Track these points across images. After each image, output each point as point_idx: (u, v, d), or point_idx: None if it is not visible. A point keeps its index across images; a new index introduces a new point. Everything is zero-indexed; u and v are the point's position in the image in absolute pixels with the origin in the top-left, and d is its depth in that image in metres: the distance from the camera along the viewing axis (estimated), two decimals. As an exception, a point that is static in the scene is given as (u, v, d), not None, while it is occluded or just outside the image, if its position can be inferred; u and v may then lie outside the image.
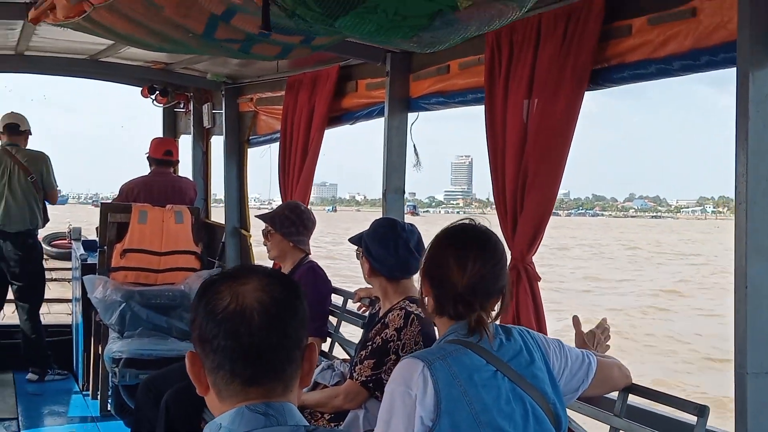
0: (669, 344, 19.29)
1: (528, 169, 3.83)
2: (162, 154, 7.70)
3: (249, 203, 7.60)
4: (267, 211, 5.37)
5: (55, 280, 10.35)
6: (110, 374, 6.46)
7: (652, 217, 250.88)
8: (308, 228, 5.12)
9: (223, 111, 7.44)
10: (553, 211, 4.08)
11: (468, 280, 2.63)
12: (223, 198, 7.74)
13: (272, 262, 5.51)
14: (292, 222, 5.04)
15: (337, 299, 5.37)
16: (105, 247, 7.05)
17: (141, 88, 8.20)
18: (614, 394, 3.23)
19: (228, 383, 1.66)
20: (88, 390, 7.26)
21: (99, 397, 6.82)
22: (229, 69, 7.04)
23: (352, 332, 5.27)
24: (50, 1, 4.32)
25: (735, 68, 2.88)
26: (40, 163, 7.67)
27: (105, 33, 4.46)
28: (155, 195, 7.39)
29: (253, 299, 1.66)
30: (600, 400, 3.21)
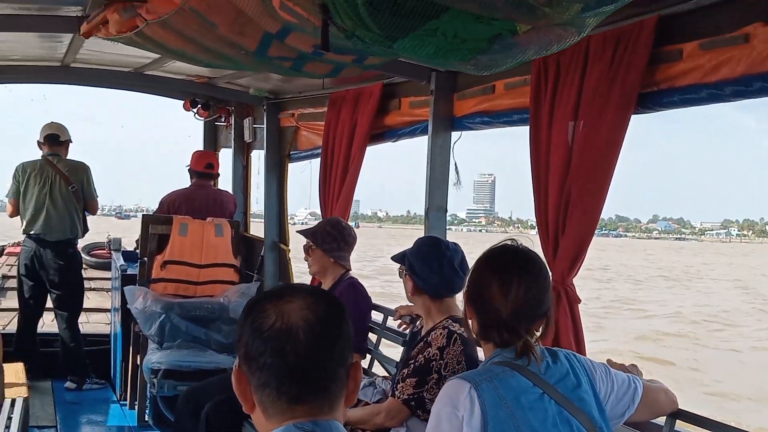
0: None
1: (571, 192, 3.83)
2: (203, 167, 7.77)
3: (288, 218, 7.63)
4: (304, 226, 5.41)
5: (94, 289, 10.42)
6: (148, 385, 6.52)
7: (676, 239, 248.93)
8: (349, 244, 5.15)
9: (265, 126, 7.49)
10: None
11: (512, 306, 2.61)
12: (262, 212, 7.77)
13: (311, 277, 5.56)
14: (333, 238, 5.07)
15: (377, 316, 5.38)
16: (146, 259, 7.12)
17: (183, 102, 8.28)
18: (661, 420, 3.22)
19: (274, 401, 1.68)
20: (125, 400, 7.32)
21: (137, 407, 6.87)
22: (272, 84, 7.09)
23: (392, 349, 5.28)
24: (103, 15, 4.37)
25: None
26: (81, 173, 7.76)
27: (155, 48, 4.52)
28: (196, 207, 7.46)
29: (298, 318, 1.68)
30: (646, 426, 3.20)
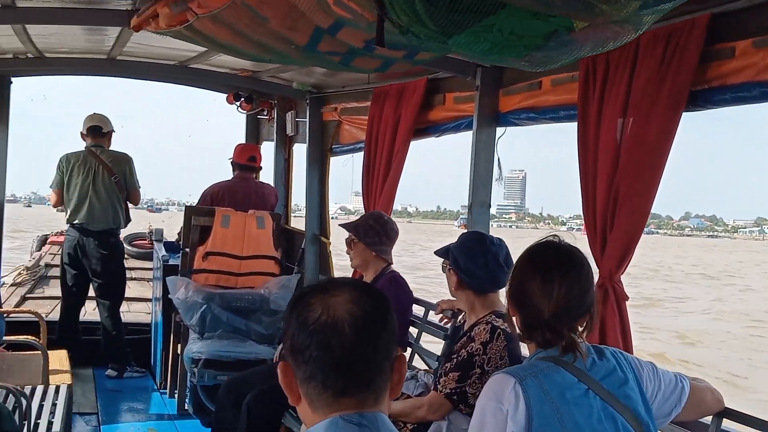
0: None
1: (620, 189, 3.81)
2: (246, 160, 7.83)
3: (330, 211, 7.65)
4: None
5: (135, 279, 10.52)
6: (189, 374, 6.58)
7: (709, 236, 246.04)
8: (391, 238, 5.16)
9: (307, 120, 7.52)
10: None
11: (554, 307, 2.59)
12: (303, 205, 7.80)
13: (353, 270, 5.58)
14: (376, 232, 5.09)
15: (418, 310, 5.39)
16: (188, 249, 7.18)
17: (227, 95, 8.35)
18: (708, 419, 3.20)
19: (320, 394, 1.69)
20: (165, 388, 7.40)
21: (177, 396, 6.95)
22: (315, 78, 7.12)
23: (433, 343, 5.29)
24: (153, 9, 4.42)
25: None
26: (124, 163, 7.84)
27: (204, 42, 4.56)
28: (238, 200, 7.52)
29: (344, 311, 1.69)
30: (693, 424, 3.19)
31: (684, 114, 3.66)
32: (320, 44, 3.49)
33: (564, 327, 2.61)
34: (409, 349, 5.28)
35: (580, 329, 2.68)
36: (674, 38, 3.61)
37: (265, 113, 8.57)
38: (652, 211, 3.97)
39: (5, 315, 6.58)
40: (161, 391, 7.50)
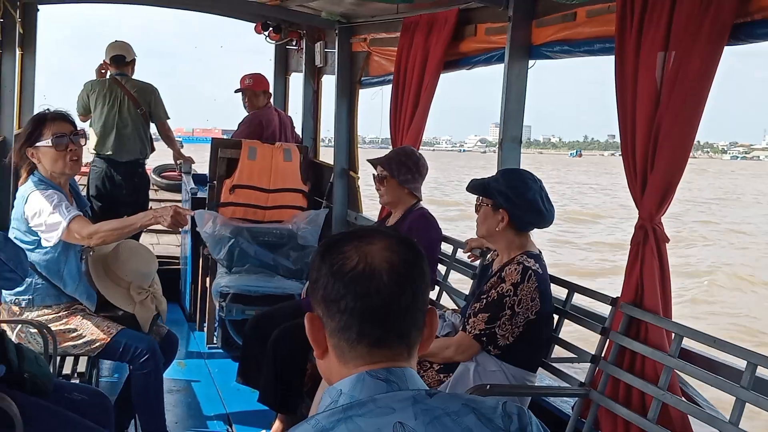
0: None
1: (660, 126, 3.66)
2: (267, 88, 7.83)
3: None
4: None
5: (164, 211, 10.53)
6: (217, 308, 6.58)
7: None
8: (422, 174, 5.07)
9: (336, 50, 7.37)
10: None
11: None
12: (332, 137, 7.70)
13: (381, 207, 5.50)
14: (408, 168, 4.99)
15: (446, 247, 5.32)
16: (215, 182, 7.14)
17: (255, 24, 8.20)
18: (742, 365, 3.12)
19: (354, 345, 1.62)
20: (194, 321, 7.41)
21: (206, 329, 6.96)
22: (344, 8, 6.95)
23: (461, 282, 5.23)
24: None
25: None
26: (149, 94, 7.73)
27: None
28: (270, 133, 7.50)
29: (381, 259, 1.61)
30: (726, 370, 3.11)
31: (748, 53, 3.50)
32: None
33: None
34: (436, 287, 5.22)
35: None
36: (718, -33, 3.43)
37: (294, 44, 8.43)
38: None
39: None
40: (190, 324, 7.51)
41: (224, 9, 8.22)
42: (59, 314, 4.35)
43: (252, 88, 7.73)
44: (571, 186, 52.28)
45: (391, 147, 5.83)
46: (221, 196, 7.06)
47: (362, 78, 7.25)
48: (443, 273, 5.27)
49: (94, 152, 7.59)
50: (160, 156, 8.23)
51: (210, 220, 6.65)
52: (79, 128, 4.49)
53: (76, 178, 4.65)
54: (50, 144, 4.25)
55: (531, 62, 5.06)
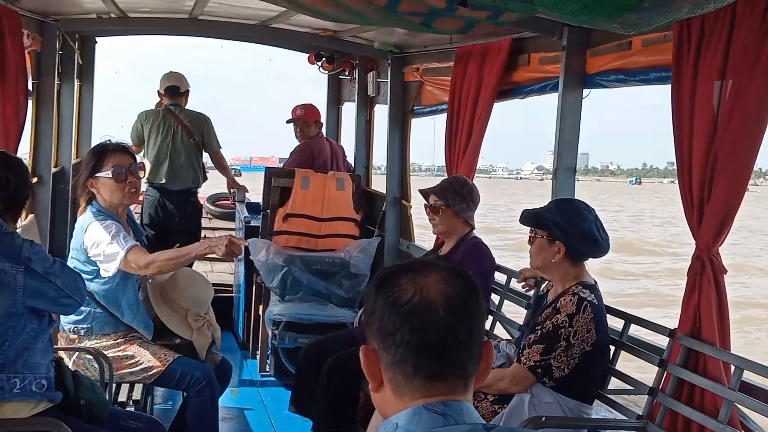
0: None
1: (718, 155, 3.61)
2: (319, 118, 7.90)
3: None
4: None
5: (219, 239, 10.60)
6: (270, 336, 6.60)
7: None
8: (476, 203, 5.06)
9: (389, 80, 7.40)
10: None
11: None
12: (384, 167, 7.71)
13: (435, 236, 5.48)
14: (463, 198, 4.98)
15: (500, 277, 5.29)
16: (268, 211, 7.20)
17: (308, 55, 8.28)
18: None
19: (410, 378, 1.61)
20: (247, 349, 7.44)
21: (258, 357, 6.98)
22: (397, 38, 6.99)
23: (515, 313, 5.19)
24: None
25: None
26: (202, 123, 7.82)
27: (283, 1, 4.47)
28: (321, 163, 7.55)
29: (437, 292, 1.61)
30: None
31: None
32: (401, 5, 3.36)
33: None
34: (490, 317, 5.18)
35: None
36: (777, -6, 3.39)
37: (347, 73, 8.49)
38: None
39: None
40: (243, 351, 7.54)
41: (278, 40, 8.30)
42: (117, 341, 4.40)
43: (303, 118, 7.81)
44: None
45: (447, 175, 5.82)
46: (274, 224, 7.12)
47: (414, 107, 7.27)
48: (497, 303, 5.24)
49: (148, 181, 7.68)
50: (215, 185, 8.29)
51: (263, 249, 6.70)
52: (138, 161, 4.57)
53: (131, 207, 4.71)
54: (110, 175, 4.32)
55: (585, 91, 5.04)
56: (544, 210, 3.97)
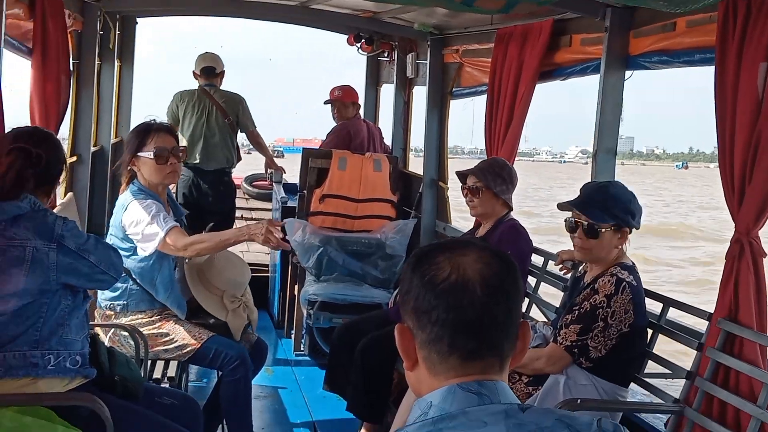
0: None
1: (761, 138, 3.55)
2: (357, 100, 7.91)
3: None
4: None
5: (255, 220, 10.64)
6: (305, 316, 6.62)
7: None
8: (514, 185, 5.02)
9: (428, 62, 7.36)
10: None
11: None
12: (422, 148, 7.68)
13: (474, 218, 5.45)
14: (503, 179, 4.93)
15: (537, 259, 5.24)
16: (305, 192, 7.20)
17: (347, 36, 8.26)
18: None
19: (445, 357, 1.60)
20: (282, 329, 7.47)
21: (293, 336, 7.01)
22: (437, 19, 6.94)
23: (550, 294, 5.15)
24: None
25: None
26: (236, 104, 7.83)
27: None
28: (358, 143, 7.54)
29: (474, 271, 1.59)
30: None
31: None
32: (442, -19, 3.33)
33: None
34: (526, 299, 5.15)
35: None
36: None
37: (386, 55, 8.46)
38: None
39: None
40: (278, 331, 7.57)
41: (318, 21, 8.28)
42: (152, 318, 4.42)
43: (341, 99, 7.81)
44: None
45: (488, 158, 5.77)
46: (311, 205, 7.12)
47: (453, 89, 7.23)
48: (533, 285, 5.21)
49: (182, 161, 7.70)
50: (256, 166, 8.30)
51: (299, 229, 6.71)
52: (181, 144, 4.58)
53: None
54: (151, 156, 4.34)
55: (628, 73, 4.97)
56: (600, 204, 3.86)
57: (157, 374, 4.48)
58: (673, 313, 4.08)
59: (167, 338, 4.38)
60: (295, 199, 7.48)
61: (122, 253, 3.99)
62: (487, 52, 6.39)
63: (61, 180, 3.46)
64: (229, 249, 4.75)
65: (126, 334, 4.28)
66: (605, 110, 4.96)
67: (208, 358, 4.39)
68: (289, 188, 8.20)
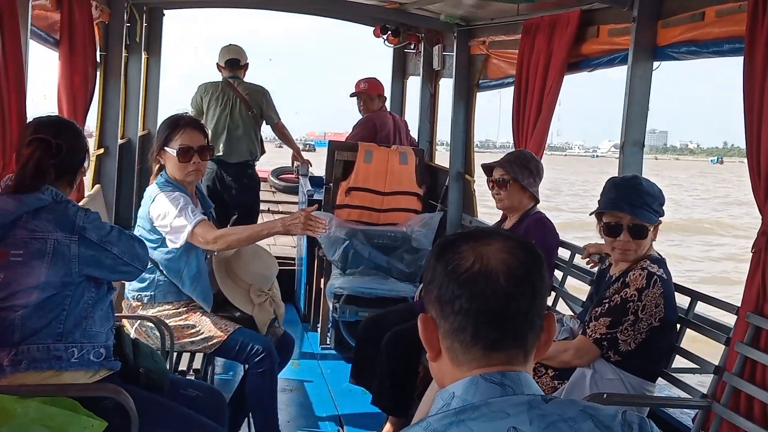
0: None
1: (789, 130, 3.51)
2: (382, 92, 7.90)
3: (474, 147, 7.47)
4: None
5: (282, 213, 10.64)
6: (331, 309, 6.61)
7: None
8: (541, 177, 4.98)
9: (454, 53, 7.32)
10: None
11: None
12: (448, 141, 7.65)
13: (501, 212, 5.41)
14: (530, 172, 4.89)
15: (563, 253, 5.20)
16: (331, 185, 7.20)
17: (373, 28, 8.23)
18: None
19: (468, 348, 1.57)
20: (308, 322, 7.47)
21: (319, 329, 7.00)
22: (463, 10, 6.90)
23: (577, 288, 5.11)
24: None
25: None
26: (260, 96, 7.83)
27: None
28: (383, 136, 7.53)
29: (498, 261, 1.57)
30: None
31: None
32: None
33: None
34: (552, 293, 5.11)
35: None
36: None
37: (412, 47, 8.44)
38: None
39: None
40: (304, 324, 7.57)
41: (344, 13, 8.28)
42: (179, 310, 4.42)
43: (367, 91, 7.80)
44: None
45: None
46: (337, 198, 7.12)
47: (480, 81, 7.18)
48: (560, 279, 5.17)
49: None
50: (284, 159, 8.31)
51: (325, 222, 6.69)
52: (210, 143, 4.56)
53: None
54: (175, 153, 4.33)
55: (656, 64, 4.91)
56: (640, 203, 3.80)
57: (183, 366, 4.49)
58: (701, 307, 4.04)
59: (193, 330, 4.38)
60: (322, 192, 7.48)
61: (149, 244, 3.99)
62: (514, 43, 6.34)
63: (85, 168, 3.43)
64: (257, 242, 4.76)
65: (152, 325, 4.29)
66: (633, 102, 4.91)
67: (234, 351, 4.39)
68: (316, 181, 8.20)
